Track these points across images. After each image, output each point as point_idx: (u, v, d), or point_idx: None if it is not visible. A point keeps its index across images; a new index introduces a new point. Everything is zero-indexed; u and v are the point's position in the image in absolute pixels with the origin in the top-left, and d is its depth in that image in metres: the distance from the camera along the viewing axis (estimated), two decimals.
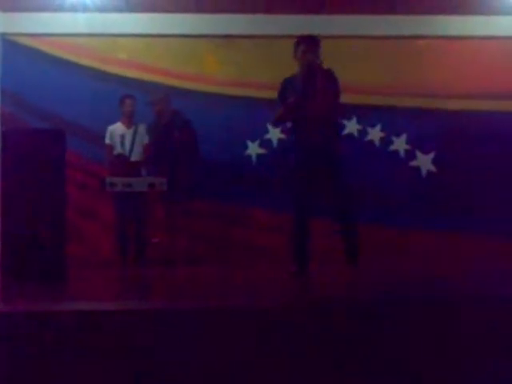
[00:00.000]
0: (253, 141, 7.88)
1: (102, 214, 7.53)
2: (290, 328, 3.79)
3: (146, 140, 7.16)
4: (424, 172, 7.93)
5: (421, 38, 7.97)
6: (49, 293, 4.72)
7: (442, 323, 3.83)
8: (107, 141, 7.09)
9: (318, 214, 5.80)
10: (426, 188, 7.84)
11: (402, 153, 7.93)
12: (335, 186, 5.45)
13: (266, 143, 7.85)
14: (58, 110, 7.71)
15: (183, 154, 7.09)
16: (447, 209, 7.72)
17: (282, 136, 7.65)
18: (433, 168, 7.91)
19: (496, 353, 3.74)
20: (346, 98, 7.43)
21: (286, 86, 5.61)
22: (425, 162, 7.92)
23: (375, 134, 7.93)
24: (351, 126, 7.91)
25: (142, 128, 7.16)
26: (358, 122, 7.92)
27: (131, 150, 7.06)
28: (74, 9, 7.55)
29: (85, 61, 7.94)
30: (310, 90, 5.40)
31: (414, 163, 7.94)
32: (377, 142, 7.94)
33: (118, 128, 7.11)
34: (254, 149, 7.89)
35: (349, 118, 7.87)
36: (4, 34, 7.81)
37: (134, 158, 7.08)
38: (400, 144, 7.92)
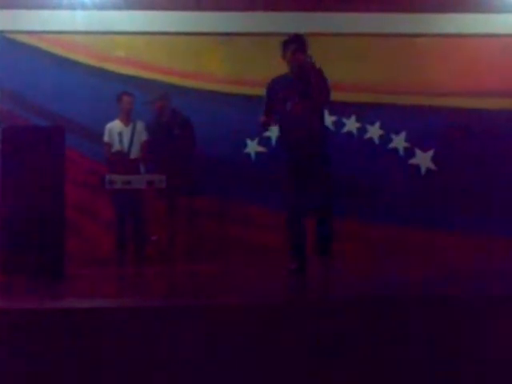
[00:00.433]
0: (252, 139, 7.88)
1: (100, 212, 7.53)
2: (289, 326, 3.79)
3: (144, 137, 7.15)
4: (423, 170, 7.93)
5: (420, 36, 7.95)
6: (47, 290, 4.72)
7: (441, 322, 3.84)
8: (106, 139, 7.08)
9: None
10: (425, 186, 7.84)
11: (401, 150, 7.93)
12: (318, 180, 5.48)
13: (264, 141, 7.84)
14: (57, 108, 7.70)
15: (183, 152, 7.09)
16: (446, 207, 7.71)
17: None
18: (432, 166, 7.91)
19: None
20: (344, 96, 7.48)
21: (274, 86, 5.64)
22: (424, 159, 7.92)
23: (374, 131, 7.93)
24: (350, 124, 7.91)
25: (140, 125, 7.15)
26: (357, 119, 7.91)
27: (130, 148, 7.04)
28: (72, 6, 7.55)
29: (83, 58, 7.93)
30: (302, 89, 5.42)
31: (413, 161, 7.93)
32: (376, 140, 7.94)
33: (116, 125, 7.09)
34: (252, 147, 7.88)
35: (348, 116, 7.87)
36: (2, 32, 7.79)
37: (133, 155, 7.07)
38: (399, 142, 7.92)
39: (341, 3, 7.65)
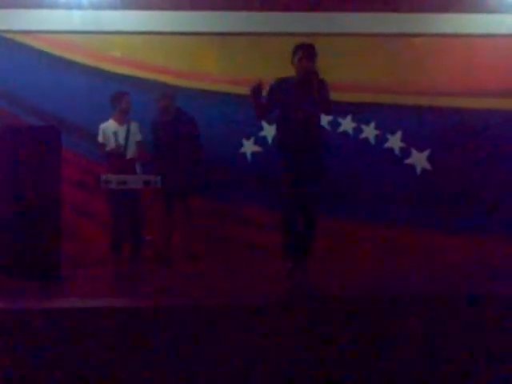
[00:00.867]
0: (248, 138, 7.88)
1: (96, 212, 7.52)
2: (286, 325, 3.80)
3: (138, 138, 7.14)
4: (419, 170, 7.93)
5: (417, 36, 7.96)
6: (43, 290, 4.72)
7: (438, 320, 3.85)
8: (100, 139, 7.06)
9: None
10: (420, 186, 7.84)
11: (396, 150, 7.93)
12: (312, 187, 5.62)
13: (260, 141, 7.84)
14: (52, 108, 7.69)
15: (187, 151, 7.08)
16: (441, 207, 7.72)
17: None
18: (428, 166, 7.92)
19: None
20: (341, 96, 7.47)
21: (277, 87, 5.76)
22: (420, 159, 7.92)
23: (370, 131, 7.93)
24: (346, 124, 7.91)
25: (134, 126, 7.13)
26: (353, 119, 7.91)
27: (126, 147, 7.04)
28: (68, 6, 7.52)
29: (79, 58, 7.91)
30: (304, 95, 5.51)
31: (408, 161, 7.94)
32: (372, 140, 7.94)
33: (110, 125, 7.07)
34: (248, 146, 7.88)
35: (344, 116, 7.88)
36: None
37: (129, 155, 7.06)
38: (395, 142, 7.92)
39: (337, 3, 7.64)
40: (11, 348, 3.66)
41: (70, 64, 7.88)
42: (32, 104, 7.74)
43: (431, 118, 7.88)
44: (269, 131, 7.65)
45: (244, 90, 7.63)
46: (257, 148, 7.84)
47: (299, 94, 5.53)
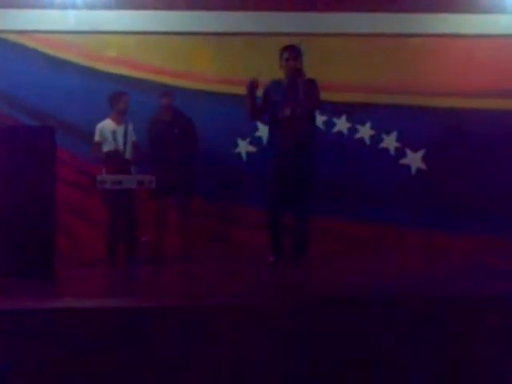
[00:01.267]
0: (243, 138, 7.88)
1: (92, 212, 7.51)
2: (280, 325, 3.79)
3: (134, 138, 7.14)
4: (414, 170, 7.95)
5: (412, 36, 7.96)
6: (37, 291, 4.71)
7: (433, 321, 3.85)
8: (97, 138, 7.04)
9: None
10: (415, 186, 7.85)
11: (392, 150, 7.94)
12: (301, 183, 5.72)
13: (256, 141, 7.85)
14: (47, 108, 7.69)
15: (184, 151, 7.08)
16: (436, 206, 7.73)
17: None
18: (423, 166, 7.93)
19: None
20: (335, 96, 7.48)
21: (269, 88, 5.92)
22: (415, 159, 7.93)
23: (365, 131, 7.94)
24: (341, 124, 7.92)
25: (131, 126, 7.14)
26: (348, 119, 7.93)
27: (125, 147, 7.03)
28: (63, 6, 7.53)
29: (74, 58, 7.91)
30: (292, 95, 5.64)
31: (403, 161, 7.95)
32: (367, 140, 7.95)
33: (107, 124, 7.06)
34: (244, 146, 7.89)
35: (338, 116, 7.89)
36: None
37: (127, 155, 7.05)
38: (390, 142, 7.94)
39: (332, 3, 7.65)
40: (5, 348, 3.65)
41: (65, 64, 7.88)
42: (27, 104, 7.74)
43: (426, 118, 7.89)
44: (264, 131, 7.64)
45: (240, 90, 7.67)
46: (252, 148, 7.85)
47: (287, 94, 5.65)
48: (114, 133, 7.00)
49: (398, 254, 7.32)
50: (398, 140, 7.93)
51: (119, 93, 7.14)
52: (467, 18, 7.85)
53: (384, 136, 7.94)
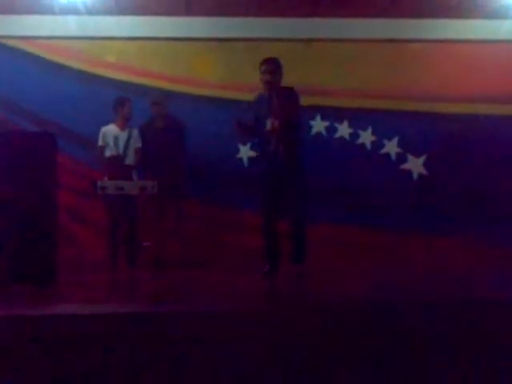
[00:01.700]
0: (244, 144, 7.88)
1: (93, 217, 7.50)
2: (279, 331, 3.78)
3: (138, 144, 7.12)
4: (415, 175, 7.95)
5: (414, 42, 7.98)
6: (39, 296, 4.70)
7: (430, 325, 3.84)
8: (100, 142, 7.03)
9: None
10: (416, 191, 7.86)
11: (393, 156, 7.94)
12: (293, 191, 5.76)
13: (256, 146, 7.82)
14: (48, 113, 7.70)
15: (175, 157, 7.08)
16: (437, 212, 7.73)
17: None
18: (424, 171, 7.93)
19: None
20: (337, 102, 7.49)
21: (255, 103, 5.97)
22: (416, 165, 7.93)
23: (366, 137, 7.94)
24: (343, 129, 7.92)
25: (135, 132, 7.11)
26: (350, 125, 7.92)
27: (125, 153, 7.02)
28: (64, 11, 7.52)
29: (75, 63, 7.93)
30: (270, 108, 5.71)
31: (405, 166, 7.95)
32: (368, 145, 7.95)
33: (111, 129, 7.05)
34: (245, 152, 7.89)
35: (340, 122, 7.89)
36: None
37: (128, 161, 7.04)
38: (391, 147, 7.94)
39: (334, 9, 7.64)
40: (6, 354, 3.63)
41: (66, 69, 7.90)
42: (27, 109, 7.74)
43: (428, 123, 7.91)
44: None
45: (240, 96, 7.69)
46: (253, 153, 7.83)
47: (268, 107, 5.74)
48: (116, 138, 6.99)
49: (399, 258, 7.32)
50: (399, 145, 7.93)
51: (123, 98, 7.12)
52: (468, 23, 7.86)
53: (385, 141, 7.95)
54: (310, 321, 3.86)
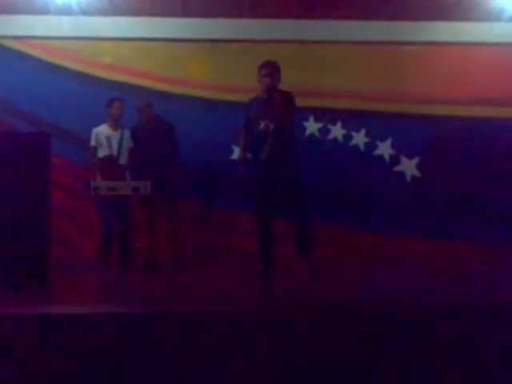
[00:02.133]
0: (238, 145, 7.87)
1: (85, 218, 7.50)
2: (273, 331, 3.80)
3: (130, 144, 7.13)
4: (408, 177, 7.96)
5: (408, 44, 7.99)
6: (32, 296, 4.70)
7: (424, 327, 3.86)
8: (92, 142, 7.03)
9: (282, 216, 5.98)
10: (410, 193, 7.87)
11: (386, 157, 7.96)
12: (292, 193, 5.82)
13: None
14: (43, 114, 7.71)
15: (166, 158, 7.08)
16: (431, 213, 7.74)
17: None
18: (417, 173, 7.94)
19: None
20: (330, 103, 7.50)
21: (250, 106, 6.04)
22: (409, 166, 7.95)
23: (360, 138, 7.96)
24: (336, 131, 7.93)
25: (127, 133, 7.12)
26: (343, 126, 7.94)
27: (119, 153, 7.02)
28: (59, 12, 7.51)
29: (70, 64, 7.93)
30: (267, 111, 5.76)
31: (398, 168, 7.96)
32: (361, 147, 7.96)
33: (103, 130, 7.05)
34: (239, 153, 7.86)
35: (333, 123, 7.90)
36: None
37: (121, 161, 7.04)
38: (385, 149, 7.95)
39: (328, 11, 7.66)
40: (1, 354, 3.65)
41: (61, 70, 7.90)
42: (22, 109, 7.74)
43: (421, 125, 7.92)
44: None
45: (235, 97, 7.70)
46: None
47: (263, 109, 5.80)
48: (108, 138, 6.99)
49: (393, 260, 7.33)
50: (392, 147, 7.95)
51: (112, 99, 7.13)
52: (462, 26, 7.88)
53: (379, 143, 7.96)
54: (305, 321, 3.88)
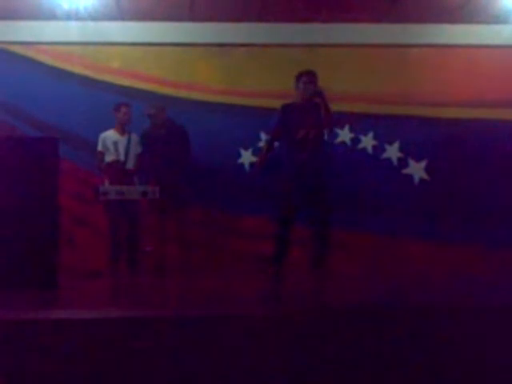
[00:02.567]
0: (246, 149, 7.89)
1: (95, 223, 7.51)
2: (279, 336, 3.79)
3: (139, 149, 7.14)
4: (416, 180, 7.95)
5: (413, 47, 7.99)
6: (40, 301, 4.70)
7: (430, 331, 3.84)
8: (99, 148, 7.05)
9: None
10: (418, 196, 7.85)
11: (394, 160, 7.95)
12: (318, 198, 5.95)
13: (258, 151, 7.82)
14: (51, 119, 7.71)
15: (178, 163, 7.09)
16: (439, 217, 7.72)
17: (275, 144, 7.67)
18: (425, 176, 7.93)
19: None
20: (338, 106, 7.47)
21: (286, 112, 6.19)
22: (417, 169, 7.93)
23: (368, 141, 7.95)
24: (344, 134, 7.93)
25: (135, 137, 7.14)
26: (351, 129, 7.93)
27: (126, 158, 7.03)
28: (66, 17, 7.51)
29: (78, 69, 7.94)
30: (307, 118, 5.95)
31: (406, 171, 7.95)
32: (369, 150, 7.96)
33: (110, 135, 7.07)
34: (246, 157, 7.89)
35: (341, 126, 7.90)
36: None
37: (129, 166, 7.06)
38: (393, 152, 7.94)
39: (335, 14, 7.66)
40: (5, 358, 3.64)
41: (69, 75, 7.92)
42: (30, 115, 7.76)
43: (429, 128, 7.90)
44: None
45: (242, 101, 7.71)
46: (255, 158, 7.84)
47: (302, 116, 5.96)
48: (115, 143, 7.01)
49: (400, 263, 7.31)
50: (400, 150, 7.93)
51: (119, 104, 7.15)
52: (470, 28, 7.88)
53: (387, 146, 7.95)
54: (313, 324, 3.87)
